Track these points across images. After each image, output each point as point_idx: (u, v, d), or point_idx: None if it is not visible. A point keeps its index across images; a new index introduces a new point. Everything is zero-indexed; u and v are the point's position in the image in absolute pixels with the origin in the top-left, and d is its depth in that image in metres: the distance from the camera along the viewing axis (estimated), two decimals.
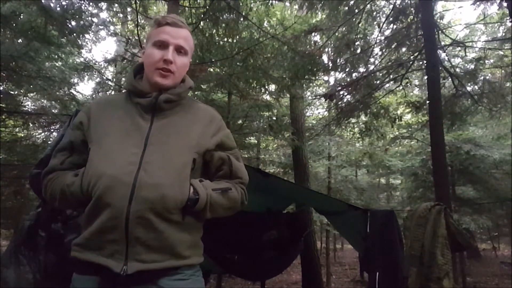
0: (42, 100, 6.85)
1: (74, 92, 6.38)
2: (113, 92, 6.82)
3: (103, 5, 6.07)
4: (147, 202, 1.02)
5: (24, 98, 6.63)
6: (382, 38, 6.45)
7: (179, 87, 1.20)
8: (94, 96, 7.35)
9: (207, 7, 4.79)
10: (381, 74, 6.51)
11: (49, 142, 5.64)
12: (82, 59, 7.15)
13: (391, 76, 6.38)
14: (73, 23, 4.82)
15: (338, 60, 6.44)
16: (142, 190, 1.03)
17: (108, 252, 1.03)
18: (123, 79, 7.27)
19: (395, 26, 6.33)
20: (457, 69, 6.33)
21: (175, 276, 1.07)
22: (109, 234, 1.02)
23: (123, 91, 1.28)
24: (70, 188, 1.10)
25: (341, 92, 6.56)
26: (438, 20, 6.55)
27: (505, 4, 4.96)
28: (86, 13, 5.32)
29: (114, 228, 1.02)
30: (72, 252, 1.09)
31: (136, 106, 1.16)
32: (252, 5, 5.86)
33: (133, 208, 1.01)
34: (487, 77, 6.56)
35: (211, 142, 1.19)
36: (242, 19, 5.20)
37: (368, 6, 6.15)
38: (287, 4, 7.55)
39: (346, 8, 6.25)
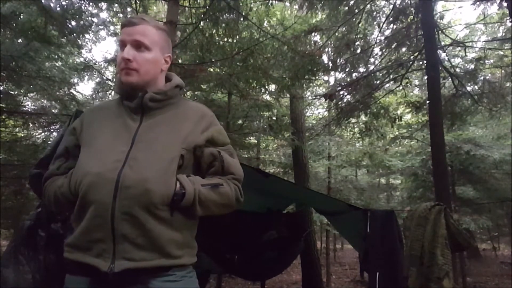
0: (42, 100, 6.85)
1: (74, 92, 6.40)
2: (113, 92, 6.83)
3: (103, 5, 6.06)
4: (132, 198, 1.01)
5: (24, 98, 6.62)
6: (382, 38, 6.46)
7: (164, 86, 1.21)
8: (94, 96, 7.36)
9: (207, 7, 4.78)
10: (381, 74, 6.51)
11: (49, 142, 5.64)
12: (82, 59, 7.16)
13: (391, 76, 6.38)
14: (73, 23, 4.82)
15: (338, 60, 6.43)
16: (125, 185, 1.02)
17: (96, 251, 1.01)
18: None
19: (395, 26, 6.33)
20: (457, 69, 6.32)
21: (165, 278, 1.04)
22: (95, 232, 1.02)
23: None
24: (60, 189, 1.12)
25: (341, 92, 6.55)
26: (438, 20, 6.55)
27: (505, 4, 4.96)
28: (86, 13, 5.32)
29: (100, 226, 1.01)
30: (64, 253, 1.09)
31: (126, 109, 1.18)
32: (252, 5, 5.86)
33: (118, 204, 1.00)
34: (487, 77, 6.56)
35: (200, 138, 1.18)
36: (242, 19, 5.19)
37: (368, 6, 6.15)
38: (287, 4, 7.54)
39: (346, 8, 6.25)
